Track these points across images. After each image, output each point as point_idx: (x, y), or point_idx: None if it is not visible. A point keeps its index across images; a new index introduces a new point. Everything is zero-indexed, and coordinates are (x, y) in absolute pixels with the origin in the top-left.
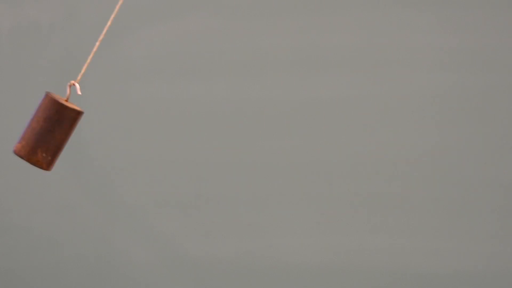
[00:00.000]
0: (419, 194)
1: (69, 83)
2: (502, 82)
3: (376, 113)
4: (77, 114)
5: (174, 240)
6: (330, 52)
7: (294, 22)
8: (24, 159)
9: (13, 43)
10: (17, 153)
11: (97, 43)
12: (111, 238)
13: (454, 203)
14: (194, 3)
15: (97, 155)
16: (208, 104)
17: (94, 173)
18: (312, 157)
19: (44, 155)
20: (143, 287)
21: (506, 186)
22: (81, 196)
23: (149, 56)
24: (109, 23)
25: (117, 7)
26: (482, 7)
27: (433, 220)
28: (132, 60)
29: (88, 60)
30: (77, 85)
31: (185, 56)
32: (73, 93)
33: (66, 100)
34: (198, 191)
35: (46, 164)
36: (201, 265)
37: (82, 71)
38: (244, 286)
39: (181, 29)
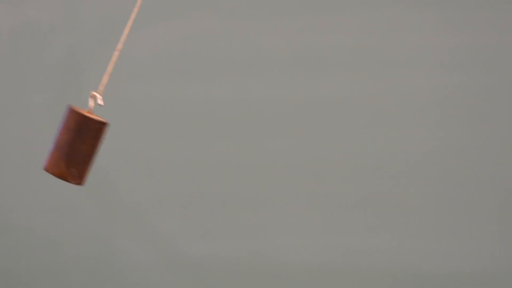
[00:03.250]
0: (419, 194)
1: (90, 94)
2: (502, 82)
3: (376, 113)
4: (101, 125)
5: (174, 240)
6: (330, 52)
7: (294, 22)
8: (55, 176)
9: (13, 43)
10: (48, 171)
11: (116, 53)
12: (111, 238)
13: (454, 203)
14: (194, 3)
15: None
16: (208, 104)
17: (94, 173)
18: (312, 157)
19: (74, 170)
20: (143, 287)
21: (506, 186)
22: (81, 196)
23: (149, 56)
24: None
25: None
26: (482, 7)
27: (433, 220)
28: (132, 60)
29: (109, 70)
30: (98, 96)
31: (185, 56)
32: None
33: (89, 112)
34: (198, 191)
35: (79, 179)
36: (201, 265)
37: (103, 81)
38: (244, 286)
39: (181, 29)
